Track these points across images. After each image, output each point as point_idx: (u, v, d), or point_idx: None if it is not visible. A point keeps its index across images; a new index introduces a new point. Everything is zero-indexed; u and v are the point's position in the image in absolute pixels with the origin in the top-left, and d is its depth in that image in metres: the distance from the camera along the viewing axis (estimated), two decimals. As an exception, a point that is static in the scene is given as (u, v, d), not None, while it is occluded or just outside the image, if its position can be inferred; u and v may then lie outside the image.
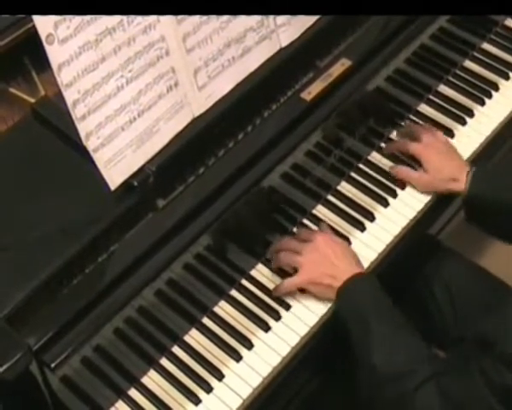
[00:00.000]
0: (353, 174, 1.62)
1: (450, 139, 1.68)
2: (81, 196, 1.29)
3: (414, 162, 1.62)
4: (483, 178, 1.55)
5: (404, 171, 1.61)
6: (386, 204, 1.58)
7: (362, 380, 1.35)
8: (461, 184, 1.54)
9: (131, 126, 1.29)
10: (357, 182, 1.61)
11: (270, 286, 1.47)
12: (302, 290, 1.46)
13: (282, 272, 1.48)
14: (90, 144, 1.24)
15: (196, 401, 1.35)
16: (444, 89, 1.77)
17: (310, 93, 1.47)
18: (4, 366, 1.12)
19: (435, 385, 1.26)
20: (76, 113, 1.22)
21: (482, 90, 1.77)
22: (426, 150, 1.59)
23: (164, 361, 1.39)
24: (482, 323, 1.48)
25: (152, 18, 1.28)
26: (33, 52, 1.30)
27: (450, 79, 1.79)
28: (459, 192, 1.55)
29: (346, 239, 1.52)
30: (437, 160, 1.58)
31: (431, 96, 1.75)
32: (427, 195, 1.59)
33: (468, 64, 1.82)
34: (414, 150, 1.61)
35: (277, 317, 1.44)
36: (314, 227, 1.54)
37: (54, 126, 1.35)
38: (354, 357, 1.36)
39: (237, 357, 1.39)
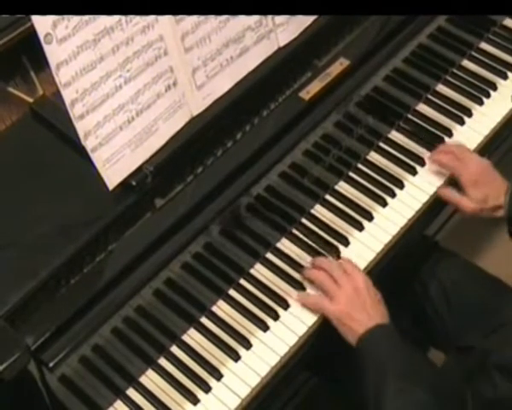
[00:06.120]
0: (352, 174, 1.62)
1: (447, 139, 1.69)
2: (79, 196, 1.29)
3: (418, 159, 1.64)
4: None
5: (454, 197, 1.60)
6: (384, 204, 1.58)
7: None
8: (503, 208, 1.54)
9: (130, 126, 1.29)
10: (356, 181, 1.61)
11: (269, 286, 1.47)
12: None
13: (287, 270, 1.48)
14: (89, 144, 1.24)
15: (195, 400, 1.35)
16: (442, 88, 1.77)
17: (308, 92, 1.47)
18: (2, 366, 1.12)
19: None
20: (74, 112, 1.22)
21: (480, 90, 1.77)
22: (471, 182, 1.57)
23: (162, 361, 1.39)
24: (482, 340, 1.47)
25: (150, 18, 1.28)
26: (32, 51, 1.30)
27: (449, 78, 1.78)
28: (502, 216, 1.55)
29: (345, 239, 1.52)
30: (480, 191, 1.56)
31: (429, 96, 1.75)
32: (425, 194, 1.59)
33: (467, 64, 1.82)
34: (459, 177, 1.59)
35: (276, 316, 1.44)
36: (311, 226, 1.54)
37: (52, 126, 1.35)
38: (355, 365, 1.35)
39: (236, 357, 1.39)
